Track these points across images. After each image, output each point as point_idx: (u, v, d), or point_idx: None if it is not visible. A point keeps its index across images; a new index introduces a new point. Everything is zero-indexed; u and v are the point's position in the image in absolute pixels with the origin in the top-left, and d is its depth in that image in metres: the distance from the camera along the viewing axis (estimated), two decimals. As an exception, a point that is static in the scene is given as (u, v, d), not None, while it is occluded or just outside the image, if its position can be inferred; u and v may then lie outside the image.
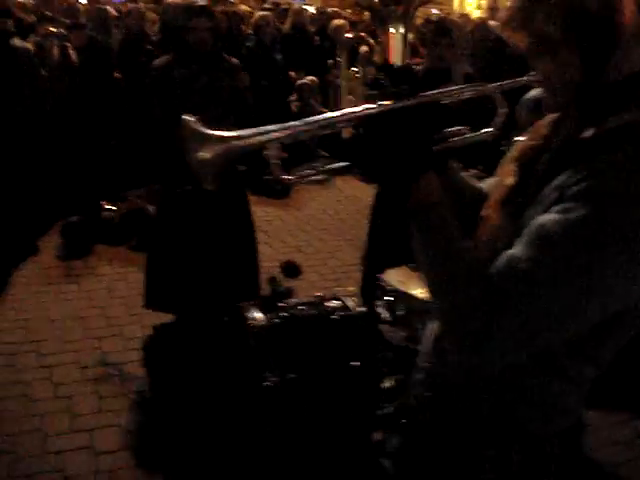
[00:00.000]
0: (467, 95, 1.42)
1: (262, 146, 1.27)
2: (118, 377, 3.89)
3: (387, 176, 1.27)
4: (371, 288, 4.06)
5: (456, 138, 1.40)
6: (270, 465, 3.13)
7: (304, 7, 10.12)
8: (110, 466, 3.21)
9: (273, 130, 1.27)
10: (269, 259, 5.76)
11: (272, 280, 3.43)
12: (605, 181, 1.14)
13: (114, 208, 6.18)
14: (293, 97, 8.67)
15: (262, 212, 6.62)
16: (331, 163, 1.38)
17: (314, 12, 10.80)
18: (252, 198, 4.90)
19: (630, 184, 1.13)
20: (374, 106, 1.28)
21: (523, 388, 1.34)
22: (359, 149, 1.28)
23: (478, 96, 1.44)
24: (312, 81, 8.67)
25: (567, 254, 1.14)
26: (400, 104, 1.27)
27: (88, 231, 5.99)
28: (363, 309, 3.36)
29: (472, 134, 1.42)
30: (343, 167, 1.34)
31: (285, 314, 3.23)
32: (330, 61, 8.90)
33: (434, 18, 4.91)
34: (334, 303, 3.37)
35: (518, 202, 1.30)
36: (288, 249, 6.12)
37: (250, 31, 8.84)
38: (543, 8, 1.22)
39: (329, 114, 1.31)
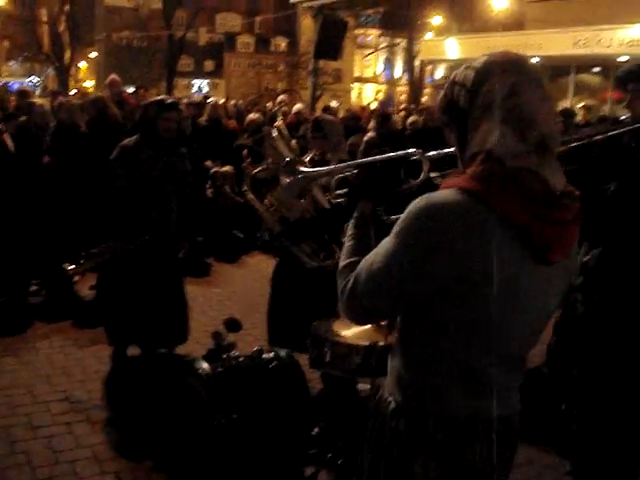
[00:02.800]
0: (414, 158, 2.11)
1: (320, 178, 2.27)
2: (70, 434, 4.28)
3: (372, 197, 2.06)
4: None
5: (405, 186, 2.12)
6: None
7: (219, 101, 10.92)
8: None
9: (324, 170, 2.26)
10: (194, 331, 6.24)
11: (216, 335, 3.94)
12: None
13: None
14: (208, 185, 9.30)
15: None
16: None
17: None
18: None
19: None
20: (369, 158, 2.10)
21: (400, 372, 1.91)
22: (362, 180, 2.09)
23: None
24: (227, 171, 9.34)
25: (382, 247, 1.80)
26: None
27: (18, 310, 6.35)
28: (295, 360, 3.94)
29: (412, 184, 2.13)
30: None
31: (228, 364, 3.77)
32: (244, 152, 9.63)
33: (312, 118, 5.55)
34: (270, 355, 3.93)
35: None
36: (213, 322, 6.58)
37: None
38: (441, 103, 1.87)
39: (352, 162, 2.21)
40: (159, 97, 5.47)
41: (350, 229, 2.04)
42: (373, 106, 20.79)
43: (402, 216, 1.75)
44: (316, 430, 4.15)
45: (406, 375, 1.87)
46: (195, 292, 7.42)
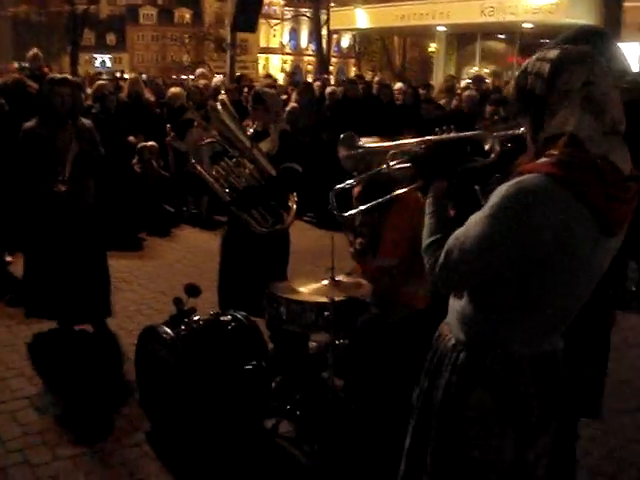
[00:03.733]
0: (478, 138, 2.29)
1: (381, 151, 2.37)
2: (32, 407, 4.39)
3: (427, 172, 2.25)
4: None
5: (472, 164, 2.28)
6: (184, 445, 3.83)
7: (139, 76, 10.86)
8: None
9: (386, 145, 2.37)
10: (135, 303, 6.44)
11: (177, 300, 4.11)
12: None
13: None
14: (135, 160, 9.31)
15: (119, 265, 7.20)
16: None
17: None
18: (109, 253, 5.79)
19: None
20: (440, 137, 2.25)
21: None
22: (425, 156, 2.27)
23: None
24: (152, 146, 9.37)
25: (474, 226, 2.00)
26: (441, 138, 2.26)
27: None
28: (252, 320, 4.17)
29: (481, 161, 2.28)
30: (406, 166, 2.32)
31: (191, 328, 3.97)
32: (168, 126, 9.67)
33: (253, 90, 5.71)
34: (228, 317, 4.15)
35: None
36: (153, 293, 6.75)
37: (89, 102, 9.46)
38: (515, 89, 2.09)
39: (418, 139, 2.31)
40: (51, 75, 5.79)
41: (428, 207, 2.23)
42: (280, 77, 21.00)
43: (493, 199, 1.97)
44: (274, 385, 4.39)
45: (472, 317, 2.16)
46: (131, 266, 7.56)
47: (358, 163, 2.40)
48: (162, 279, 7.30)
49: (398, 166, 2.38)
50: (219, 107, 4.39)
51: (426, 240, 2.16)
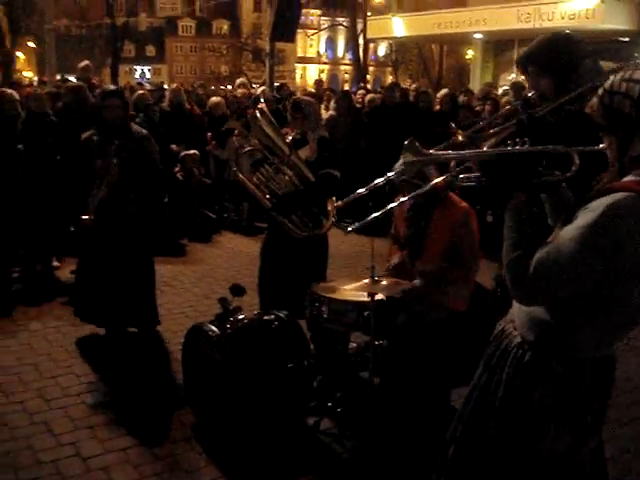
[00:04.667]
0: (560, 152, 2.22)
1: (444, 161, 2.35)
2: (84, 403, 4.57)
3: (505, 185, 2.21)
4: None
5: (549, 178, 2.24)
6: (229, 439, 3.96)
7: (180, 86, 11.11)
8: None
9: (450, 154, 2.32)
10: (179, 306, 6.60)
11: (222, 300, 4.26)
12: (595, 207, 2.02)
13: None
14: (177, 168, 9.53)
15: (165, 270, 7.38)
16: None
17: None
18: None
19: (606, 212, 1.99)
20: (509, 148, 2.23)
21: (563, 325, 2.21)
22: (496, 168, 2.21)
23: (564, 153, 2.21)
24: (194, 154, 9.58)
25: (568, 243, 2.03)
26: (517, 149, 2.22)
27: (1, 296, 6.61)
28: (294, 319, 4.30)
29: (557, 176, 2.24)
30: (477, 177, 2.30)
31: (236, 326, 4.12)
32: (209, 134, 9.89)
33: (292, 99, 5.83)
34: (272, 316, 4.29)
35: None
36: (196, 297, 6.92)
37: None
38: (600, 108, 2.15)
39: (483, 149, 2.31)
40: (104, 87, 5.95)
41: (508, 221, 2.21)
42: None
43: (589, 217, 2.00)
44: (315, 384, 4.51)
45: (545, 321, 2.22)
46: (174, 271, 7.75)
47: (418, 170, 2.41)
48: (205, 283, 7.47)
49: (465, 175, 2.36)
50: (259, 115, 4.54)
51: (508, 255, 2.15)
